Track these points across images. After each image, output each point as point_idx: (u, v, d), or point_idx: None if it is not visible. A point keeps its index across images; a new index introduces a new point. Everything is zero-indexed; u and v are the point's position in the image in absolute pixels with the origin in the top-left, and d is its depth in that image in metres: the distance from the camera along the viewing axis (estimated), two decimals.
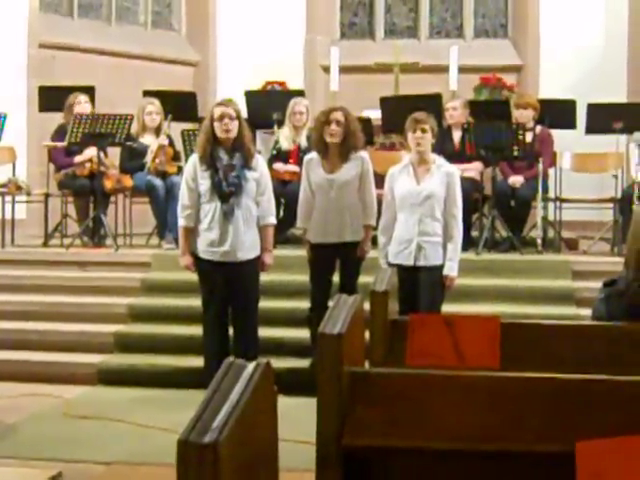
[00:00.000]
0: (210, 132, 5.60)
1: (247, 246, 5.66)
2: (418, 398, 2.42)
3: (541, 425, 2.34)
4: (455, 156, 7.18)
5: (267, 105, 8.48)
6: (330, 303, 4.69)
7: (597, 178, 8.45)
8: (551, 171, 8.22)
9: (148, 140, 7.99)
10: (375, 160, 6.41)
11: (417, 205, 5.58)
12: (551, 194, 8.15)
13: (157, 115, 8.04)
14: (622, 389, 2.39)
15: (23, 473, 4.43)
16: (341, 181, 5.87)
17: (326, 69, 10.27)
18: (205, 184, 5.60)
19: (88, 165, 7.96)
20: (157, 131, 8.06)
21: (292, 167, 7.74)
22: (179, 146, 8.14)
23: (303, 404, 4.47)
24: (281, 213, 7.49)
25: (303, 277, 6.21)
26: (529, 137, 7.67)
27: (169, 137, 8.11)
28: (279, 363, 5.28)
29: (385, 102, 8.41)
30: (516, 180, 7.72)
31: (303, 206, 6.03)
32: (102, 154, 7.94)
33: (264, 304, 6.00)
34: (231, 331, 5.79)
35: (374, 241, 6.00)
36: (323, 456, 2.36)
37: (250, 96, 8.69)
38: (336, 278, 6.03)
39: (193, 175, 5.65)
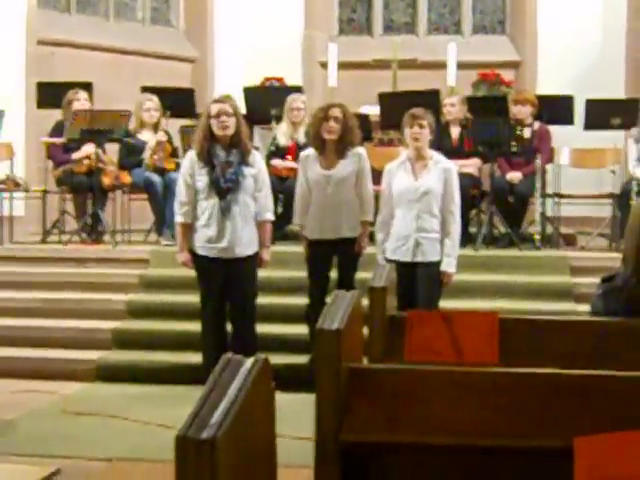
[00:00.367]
0: (207, 129, 5.59)
1: (245, 242, 5.66)
2: (416, 394, 2.42)
3: (539, 420, 2.34)
4: (453, 152, 7.18)
5: (265, 101, 8.49)
6: (328, 299, 4.70)
7: (595, 174, 8.45)
8: (549, 167, 8.22)
9: (146, 136, 7.98)
10: (373, 156, 6.42)
11: (415, 201, 5.58)
12: (549, 190, 8.15)
13: (155, 111, 8.03)
14: (620, 384, 2.40)
15: (22, 470, 4.43)
16: (338, 177, 5.87)
17: (324, 65, 10.27)
18: (203, 181, 5.60)
19: (86, 161, 7.95)
20: (155, 127, 8.05)
21: (290, 163, 7.74)
22: (177, 142, 8.14)
23: (301, 400, 4.48)
24: (279, 209, 7.50)
25: (301, 273, 6.21)
26: (527, 133, 7.67)
27: (167, 133, 8.11)
28: (277, 359, 5.29)
29: (384, 98, 8.41)
30: (514, 176, 7.73)
31: (300, 202, 6.03)
32: (100, 150, 7.93)
33: (262, 300, 6.00)
34: (229, 327, 5.80)
35: (371, 237, 6.00)
36: (321, 452, 2.36)
37: (248, 92, 8.69)
38: (334, 274, 6.04)
39: (190, 171, 5.65)
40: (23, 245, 7.99)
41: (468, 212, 7.48)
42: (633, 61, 10.18)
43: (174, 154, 8.05)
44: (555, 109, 8.16)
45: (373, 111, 8.50)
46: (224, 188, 5.56)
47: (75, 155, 8.01)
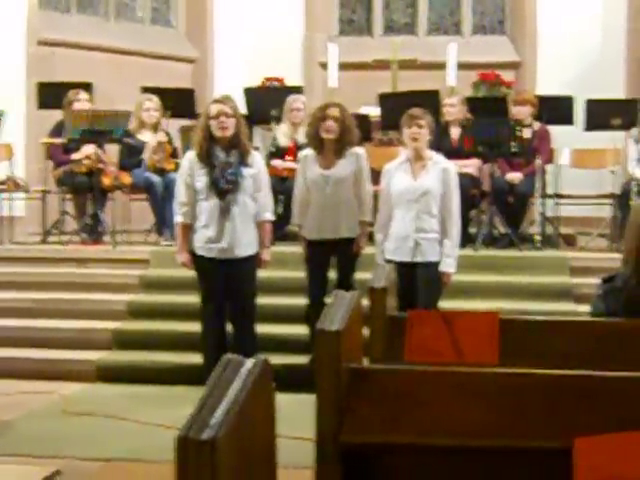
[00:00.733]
0: (206, 129, 5.59)
1: (245, 243, 5.66)
2: (417, 394, 2.42)
3: (540, 421, 2.34)
4: (453, 152, 7.18)
5: (265, 101, 8.49)
6: (327, 299, 4.70)
7: (595, 174, 8.46)
8: (549, 167, 8.22)
9: (146, 137, 7.98)
10: (372, 156, 6.42)
11: (414, 201, 5.57)
12: (549, 190, 8.15)
13: (155, 111, 8.03)
14: (620, 385, 2.40)
15: (22, 470, 4.44)
16: (337, 177, 5.87)
17: (324, 66, 10.27)
18: (202, 181, 5.59)
19: (86, 162, 7.95)
20: (155, 127, 8.05)
21: (290, 163, 7.74)
22: (177, 143, 8.14)
23: (302, 401, 4.46)
24: (279, 209, 7.50)
25: (301, 273, 6.21)
26: (527, 133, 7.67)
27: (167, 134, 8.11)
28: (277, 360, 5.28)
29: (384, 99, 8.41)
30: (514, 176, 7.73)
31: (298, 202, 6.03)
32: (100, 151, 7.93)
33: (262, 300, 6.00)
34: (229, 327, 5.80)
35: (370, 237, 6.00)
36: (322, 453, 2.36)
37: (249, 93, 8.69)
38: (333, 274, 6.04)
39: (190, 172, 5.65)
40: (23, 245, 7.99)
41: (468, 212, 7.47)
42: (633, 61, 10.19)
43: (174, 154, 8.05)
44: (555, 109, 8.16)
45: (373, 111, 8.50)
46: (224, 189, 5.56)
47: (75, 155, 8.02)
